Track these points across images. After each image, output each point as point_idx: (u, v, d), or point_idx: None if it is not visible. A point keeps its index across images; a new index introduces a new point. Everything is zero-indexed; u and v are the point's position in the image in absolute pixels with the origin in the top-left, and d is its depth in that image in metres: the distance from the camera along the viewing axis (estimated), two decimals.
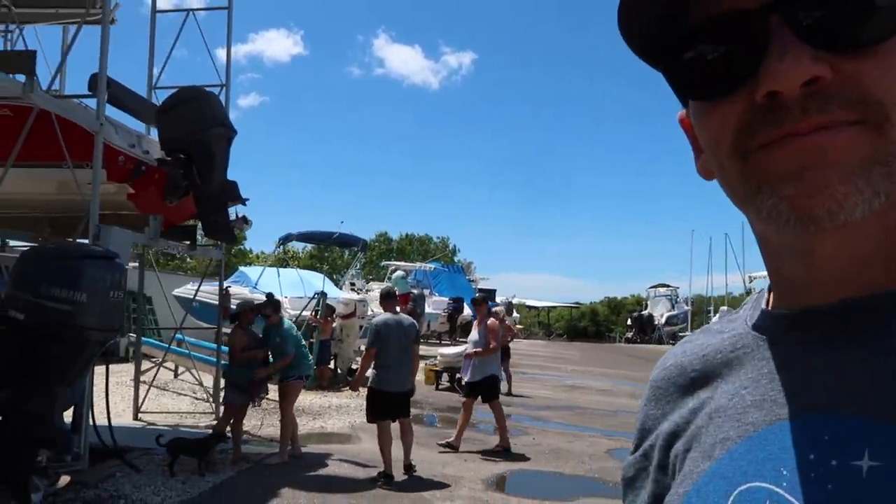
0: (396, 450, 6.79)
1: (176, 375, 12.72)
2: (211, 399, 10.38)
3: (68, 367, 4.86)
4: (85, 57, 9.64)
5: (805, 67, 0.46)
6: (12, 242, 8.92)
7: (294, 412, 7.69)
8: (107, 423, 6.87)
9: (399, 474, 6.73)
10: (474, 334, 8.70)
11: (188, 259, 27.62)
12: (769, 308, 0.59)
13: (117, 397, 9.87)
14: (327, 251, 45.56)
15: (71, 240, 7.32)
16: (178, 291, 15.74)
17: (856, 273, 0.51)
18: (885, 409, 0.47)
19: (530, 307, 54.82)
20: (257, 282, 15.65)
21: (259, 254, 37.43)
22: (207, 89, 8.81)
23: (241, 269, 16.79)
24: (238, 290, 13.98)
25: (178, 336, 11.21)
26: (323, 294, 14.05)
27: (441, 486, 6.60)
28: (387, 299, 7.17)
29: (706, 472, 0.56)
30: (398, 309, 7.29)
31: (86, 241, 6.55)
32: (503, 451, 8.09)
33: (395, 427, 6.86)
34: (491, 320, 8.69)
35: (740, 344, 0.60)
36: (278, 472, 6.70)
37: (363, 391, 12.75)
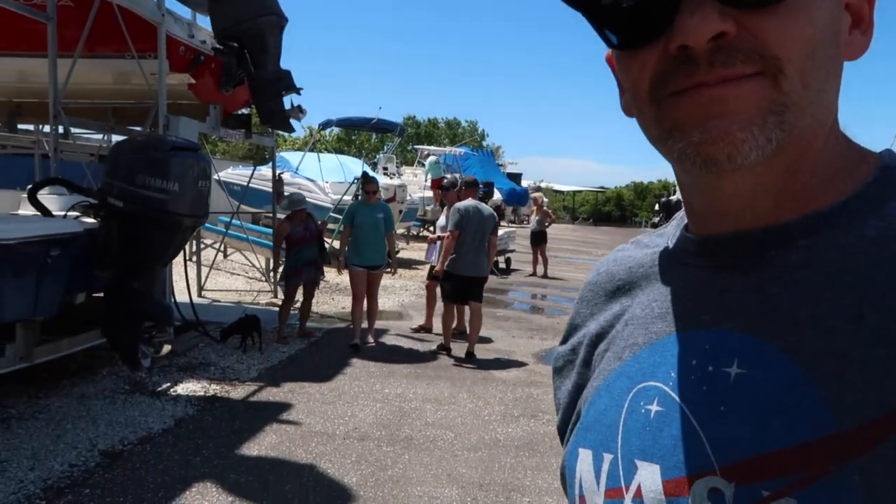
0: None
1: (225, 256, 13.36)
2: (267, 279, 11.02)
3: (164, 250, 5.31)
4: None
5: (712, 23, 0.49)
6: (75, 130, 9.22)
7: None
8: (188, 300, 7.47)
9: (460, 353, 7.24)
10: (442, 219, 8.24)
11: (218, 143, 27.88)
12: (685, 231, 0.64)
13: (176, 276, 10.54)
14: (355, 135, 45.37)
15: (141, 129, 7.60)
16: (223, 175, 16.09)
17: (749, 207, 0.56)
18: (754, 326, 0.54)
19: (556, 191, 54.74)
20: (298, 167, 15.92)
21: (288, 138, 37.47)
22: None
23: (281, 153, 16.99)
24: (297, 180, 14.17)
25: (223, 219, 11.60)
26: (364, 175, 14.25)
27: (497, 358, 7.19)
28: (470, 187, 7.39)
29: (615, 371, 0.64)
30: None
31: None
32: (423, 331, 8.22)
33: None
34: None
35: (658, 262, 0.67)
36: (345, 345, 7.31)
37: (405, 273, 13.35)
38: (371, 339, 7.51)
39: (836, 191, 0.56)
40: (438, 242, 8.05)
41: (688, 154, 0.53)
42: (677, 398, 0.56)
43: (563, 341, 0.77)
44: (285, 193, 10.60)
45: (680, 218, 0.67)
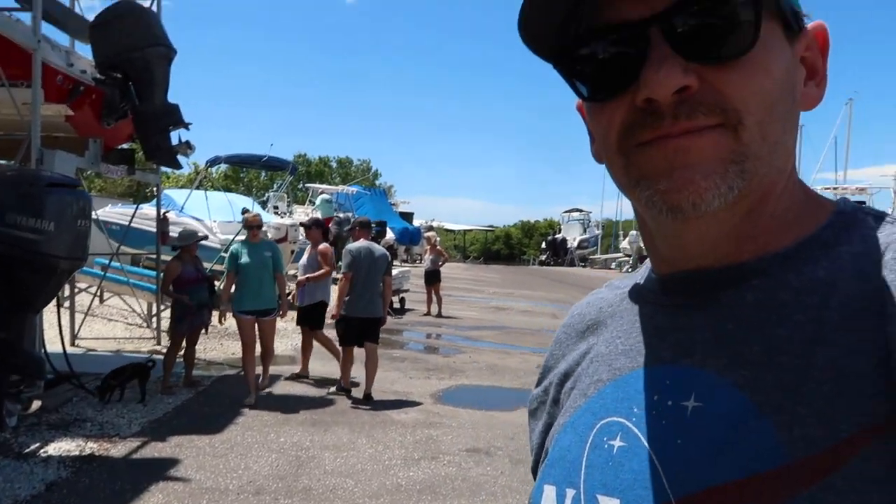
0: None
1: (102, 301, 12.47)
2: (149, 325, 10.37)
3: (37, 295, 4.88)
4: None
5: (676, 78, 0.52)
6: None
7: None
8: (60, 349, 6.89)
9: (357, 396, 7.12)
10: (304, 259, 8.14)
11: (95, 179, 26.27)
12: (651, 272, 0.68)
13: (45, 324, 9.70)
14: (243, 172, 44.18)
15: (14, 163, 7.02)
16: (101, 214, 15.14)
17: (712, 250, 0.59)
18: (710, 362, 0.56)
19: (448, 230, 55.60)
20: (183, 206, 15.26)
21: (171, 175, 35.90)
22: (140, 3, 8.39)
23: (165, 191, 16.20)
24: (183, 219, 13.57)
25: (100, 260, 10.87)
26: (244, 210, 13.86)
27: (394, 400, 7.09)
28: (363, 227, 7.39)
29: (581, 407, 0.66)
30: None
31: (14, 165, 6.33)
32: (300, 378, 7.85)
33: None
34: (323, 245, 8.00)
35: (625, 301, 0.70)
36: (235, 392, 6.96)
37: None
38: (253, 396, 6.66)
39: (793, 234, 0.59)
40: (306, 285, 7.82)
41: (655, 202, 0.55)
42: (638, 433, 0.58)
43: (538, 384, 0.78)
44: (170, 233, 10.10)
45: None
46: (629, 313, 0.68)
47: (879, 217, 0.58)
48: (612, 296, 0.73)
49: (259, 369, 7.11)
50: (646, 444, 0.57)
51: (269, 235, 14.51)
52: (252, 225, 7.00)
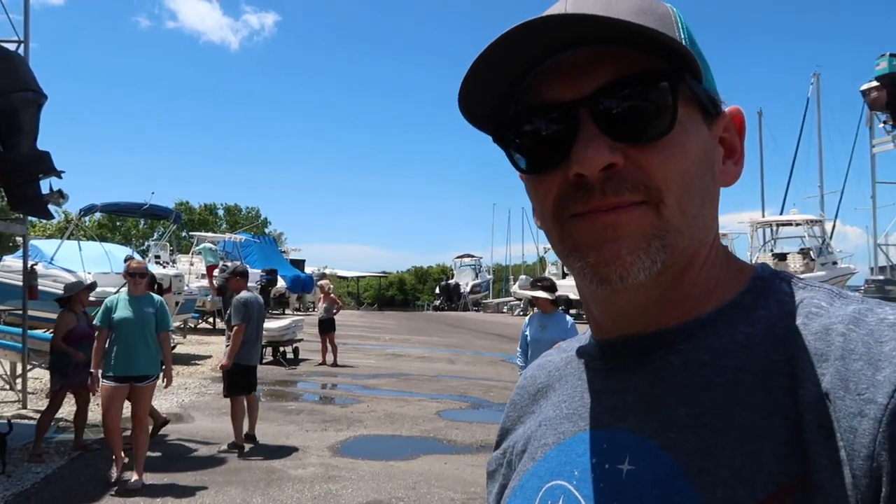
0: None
1: None
2: (12, 386, 9.46)
3: None
4: None
5: (603, 156, 0.56)
6: None
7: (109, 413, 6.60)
8: None
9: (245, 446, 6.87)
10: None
11: None
12: (592, 336, 0.71)
13: None
14: (120, 220, 41.89)
15: None
16: None
17: (641, 315, 0.63)
18: (641, 425, 0.59)
19: (341, 277, 54.95)
20: (53, 256, 14.21)
21: (37, 223, 33.44)
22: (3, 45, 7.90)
23: (34, 242, 15.02)
24: (53, 271, 12.61)
25: None
26: (128, 257, 13.14)
27: (290, 455, 6.81)
28: (243, 276, 7.39)
29: (529, 471, 0.68)
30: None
31: None
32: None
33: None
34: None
35: (570, 364, 0.73)
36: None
37: (184, 370, 12.32)
38: (135, 477, 5.56)
39: (716, 299, 0.62)
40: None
41: (585, 273, 0.60)
42: (579, 496, 0.61)
43: (496, 446, 0.80)
44: (39, 286, 9.36)
45: None
46: (573, 377, 0.71)
47: (792, 282, 0.62)
48: (558, 359, 0.76)
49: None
50: None
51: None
52: (134, 272, 5.91)
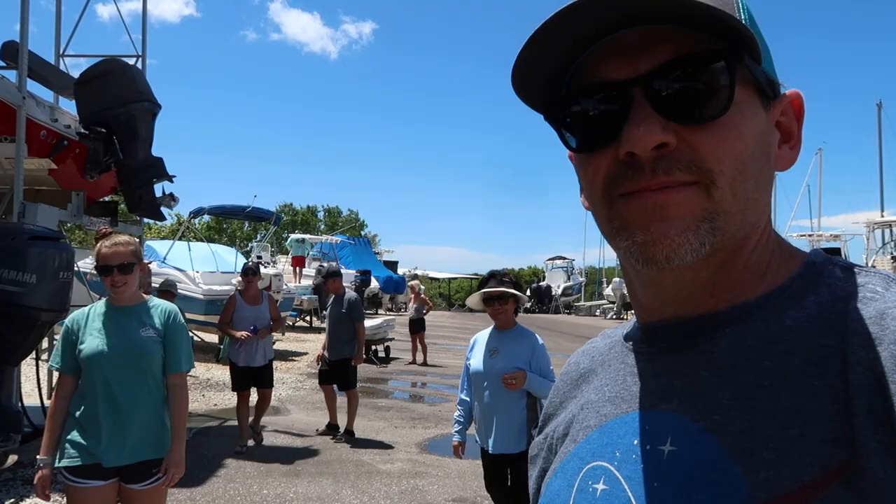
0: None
1: None
2: None
3: (16, 348, 4.84)
4: None
5: (655, 135, 0.56)
6: None
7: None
8: (38, 403, 6.77)
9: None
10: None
11: (76, 232, 26.14)
12: (635, 321, 0.71)
13: (23, 378, 9.52)
14: (226, 223, 44.16)
15: None
16: (81, 266, 15.01)
17: (688, 298, 0.62)
18: (685, 407, 0.59)
19: (432, 279, 55.59)
20: (166, 256, 15.19)
21: (153, 226, 35.82)
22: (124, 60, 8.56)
23: (148, 242, 16.15)
24: (165, 270, 13.50)
25: None
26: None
27: (380, 449, 7.00)
28: (338, 277, 7.73)
29: (570, 453, 0.69)
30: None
31: None
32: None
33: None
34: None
35: (613, 349, 0.73)
36: (217, 445, 6.84)
37: (282, 365, 12.87)
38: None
39: (766, 284, 0.62)
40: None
41: (632, 252, 0.59)
42: (620, 476, 0.61)
43: (539, 431, 0.82)
44: (152, 284, 10.05)
45: None
46: (616, 361, 0.71)
47: (846, 268, 0.61)
48: (603, 345, 0.77)
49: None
50: (626, 487, 0.59)
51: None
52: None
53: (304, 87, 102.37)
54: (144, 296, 3.10)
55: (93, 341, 2.92)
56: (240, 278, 7.33)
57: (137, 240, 2.55)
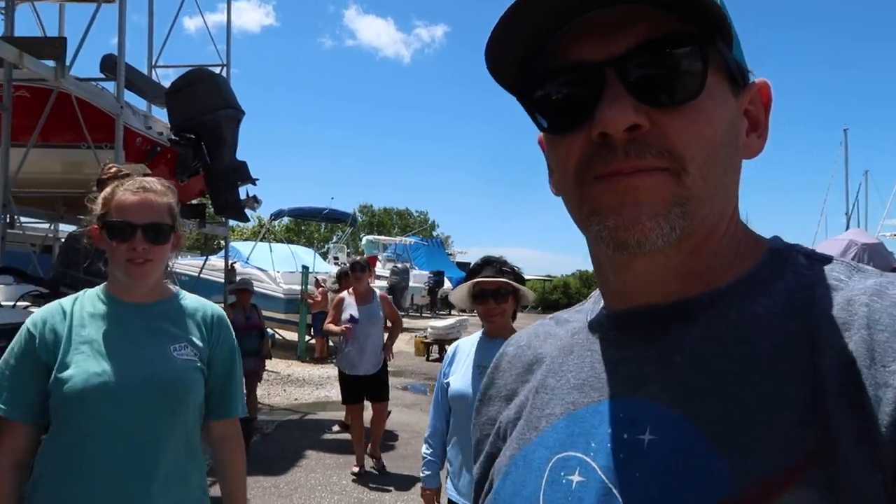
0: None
1: None
2: None
3: None
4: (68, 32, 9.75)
5: (628, 116, 0.55)
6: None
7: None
8: None
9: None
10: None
11: None
12: (602, 308, 0.69)
13: None
14: (304, 224, 45.49)
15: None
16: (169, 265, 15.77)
17: (658, 285, 0.61)
18: (661, 395, 0.58)
19: None
20: (249, 257, 15.81)
21: (236, 228, 37.33)
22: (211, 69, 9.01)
23: (232, 243, 16.88)
24: (248, 270, 14.05)
25: None
26: (305, 268, 14.28)
27: None
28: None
29: (533, 441, 0.66)
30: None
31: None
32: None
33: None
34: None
35: (577, 335, 0.71)
36: (298, 437, 7.10)
37: None
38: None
39: (735, 271, 0.62)
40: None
41: (603, 237, 0.59)
42: (596, 467, 0.59)
43: (477, 413, 0.80)
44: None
45: (597, 296, 0.72)
46: (581, 348, 0.69)
47: (808, 255, 0.62)
48: (561, 330, 0.75)
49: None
50: (604, 477, 0.58)
51: (329, 284, 14.65)
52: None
53: (379, 91, 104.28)
54: (173, 288, 1.86)
55: (84, 364, 1.61)
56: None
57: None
